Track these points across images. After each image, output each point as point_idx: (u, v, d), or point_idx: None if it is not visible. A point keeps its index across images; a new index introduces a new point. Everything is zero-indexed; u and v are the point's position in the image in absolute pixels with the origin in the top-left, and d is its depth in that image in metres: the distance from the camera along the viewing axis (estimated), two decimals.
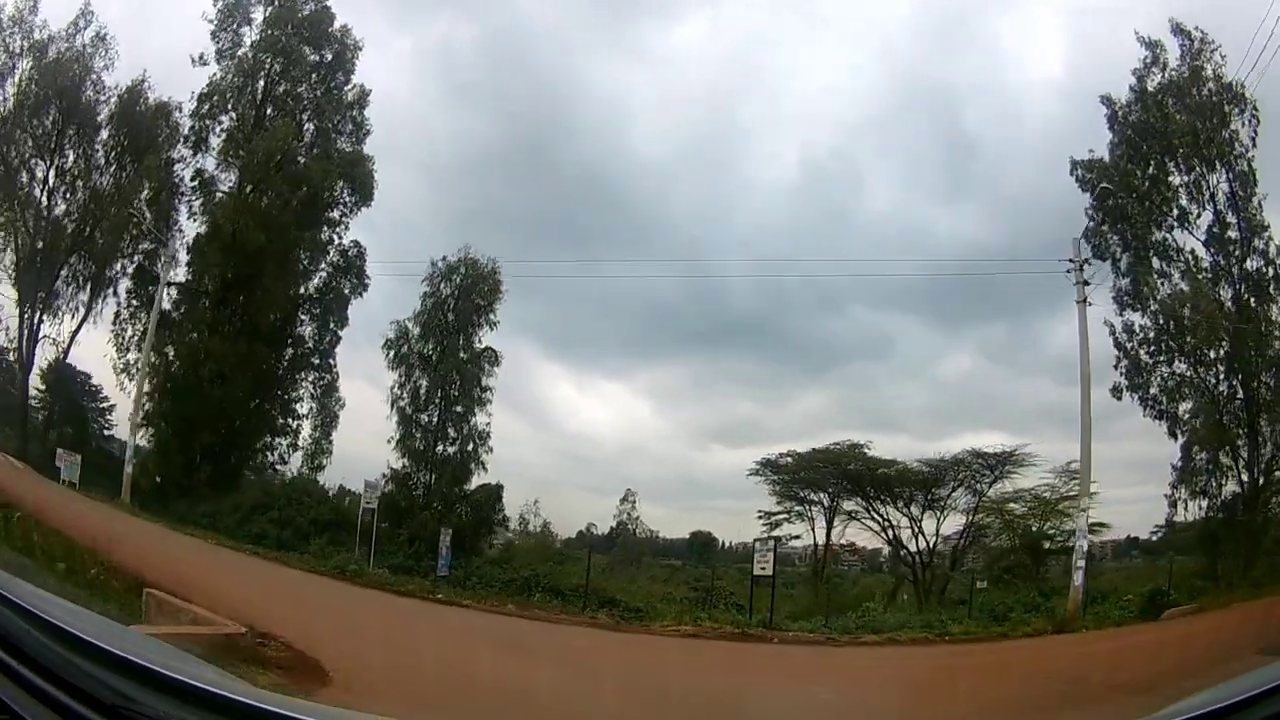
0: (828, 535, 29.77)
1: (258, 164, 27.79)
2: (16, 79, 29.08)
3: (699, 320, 39.06)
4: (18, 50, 29.03)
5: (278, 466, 30.12)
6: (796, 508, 29.80)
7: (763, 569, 22.20)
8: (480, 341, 28.83)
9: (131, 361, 29.19)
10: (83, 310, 29.86)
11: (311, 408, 30.49)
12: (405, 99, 38.52)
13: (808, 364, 40.30)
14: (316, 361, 30.61)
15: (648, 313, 38.06)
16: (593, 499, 46.49)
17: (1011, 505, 27.09)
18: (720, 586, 26.30)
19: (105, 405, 30.03)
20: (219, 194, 28.85)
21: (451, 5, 43.98)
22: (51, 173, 29.56)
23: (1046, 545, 26.44)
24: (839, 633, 19.96)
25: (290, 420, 30.37)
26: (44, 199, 29.60)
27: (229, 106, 28.75)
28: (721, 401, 40.46)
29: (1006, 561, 26.94)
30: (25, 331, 29.16)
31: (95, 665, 1.82)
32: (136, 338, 29.43)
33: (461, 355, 28.47)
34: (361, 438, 27.85)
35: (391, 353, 28.78)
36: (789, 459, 29.47)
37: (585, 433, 40.73)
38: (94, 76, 29.49)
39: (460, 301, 28.43)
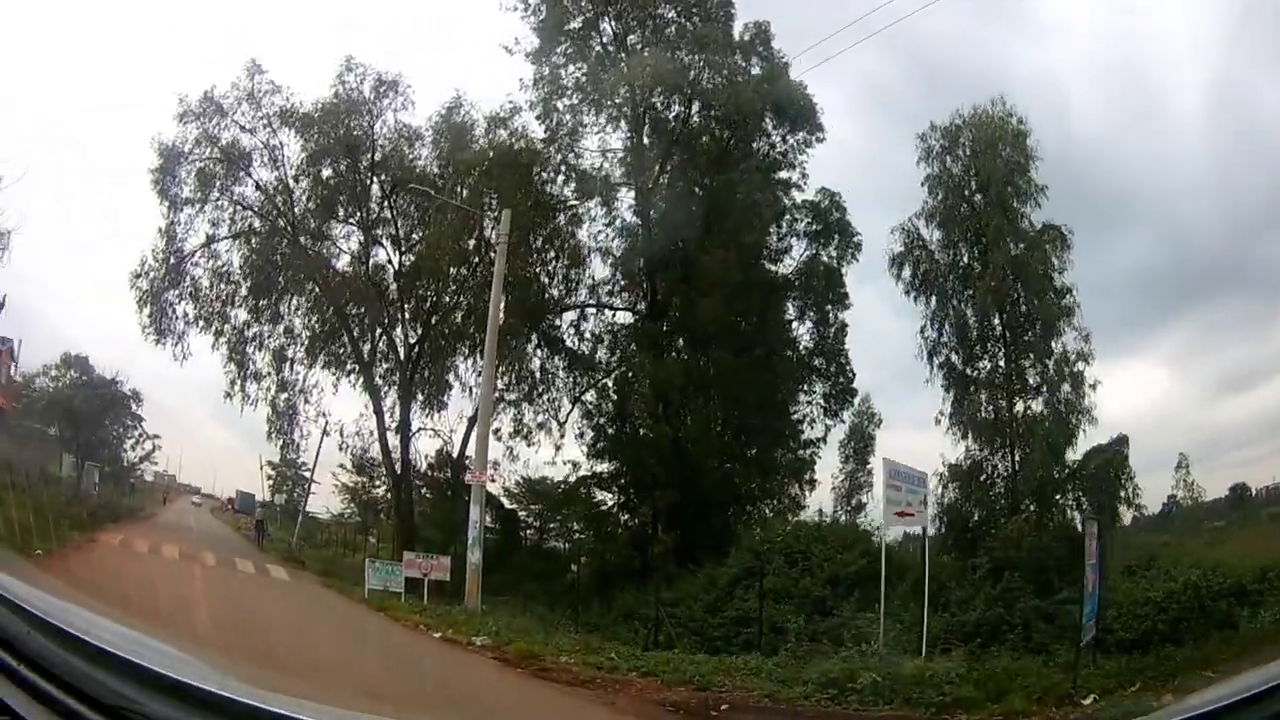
0: None
1: (623, 106, 20.85)
2: (292, 161, 23.27)
3: (1182, 273, 32.79)
4: (256, 126, 23.01)
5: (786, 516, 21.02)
6: None
7: None
8: (1032, 223, 19.11)
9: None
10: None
11: (827, 426, 22.18)
12: (859, 148, 36.18)
13: None
14: (820, 363, 22.33)
15: (1139, 281, 31.99)
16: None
17: None
18: None
19: (559, 490, 22.30)
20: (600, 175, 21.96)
21: (860, 49, 42.69)
22: (392, 251, 23.97)
23: None
24: None
25: (797, 450, 21.91)
26: (392, 282, 23.84)
27: (575, 70, 22.07)
28: (1221, 354, 34.35)
29: None
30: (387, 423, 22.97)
31: (95, 665, 1.78)
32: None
33: (1009, 245, 18.84)
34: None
35: (907, 271, 19.60)
36: None
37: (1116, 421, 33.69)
38: (394, 124, 23.34)
39: (983, 171, 18.91)
